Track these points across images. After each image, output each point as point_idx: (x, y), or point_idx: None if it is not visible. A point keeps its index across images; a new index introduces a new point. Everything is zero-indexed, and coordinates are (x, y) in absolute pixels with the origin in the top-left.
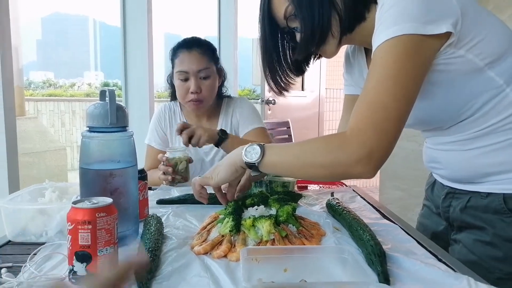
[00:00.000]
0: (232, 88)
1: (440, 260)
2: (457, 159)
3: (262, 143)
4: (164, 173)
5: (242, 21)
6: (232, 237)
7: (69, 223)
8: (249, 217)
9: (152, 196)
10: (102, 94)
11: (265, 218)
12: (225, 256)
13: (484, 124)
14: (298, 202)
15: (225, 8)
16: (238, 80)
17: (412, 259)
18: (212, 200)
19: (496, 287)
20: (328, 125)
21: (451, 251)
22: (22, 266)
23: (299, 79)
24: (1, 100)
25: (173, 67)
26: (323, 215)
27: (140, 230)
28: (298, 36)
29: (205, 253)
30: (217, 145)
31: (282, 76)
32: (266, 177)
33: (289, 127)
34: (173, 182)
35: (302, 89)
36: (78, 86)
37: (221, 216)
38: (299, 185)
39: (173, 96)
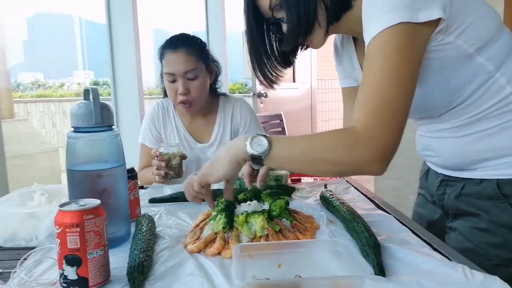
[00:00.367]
0: (223, 82)
1: (435, 249)
2: (450, 146)
3: (266, 134)
4: (157, 168)
5: (230, 14)
6: (225, 234)
7: (57, 226)
8: (242, 213)
9: (144, 195)
10: (86, 93)
11: (258, 213)
12: (219, 253)
13: (476, 111)
14: (292, 196)
15: (213, 2)
16: (228, 74)
17: (407, 249)
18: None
19: (492, 274)
20: (321, 116)
21: (447, 239)
22: (11, 272)
23: (290, 71)
24: None
25: (161, 67)
26: (317, 208)
27: (132, 230)
28: (284, 27)
29: (199, 251)
30: None
31: (270, 68)
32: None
33: (282, 120)
34: (166, 178)
35: (294, 81)
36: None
37: (214, 213)
38: (292, 178)
39: (166, 93)
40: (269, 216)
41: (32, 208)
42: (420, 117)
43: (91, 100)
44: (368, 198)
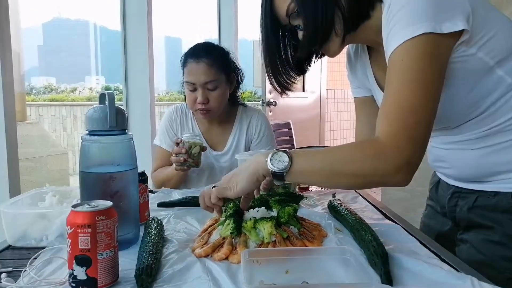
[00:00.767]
0: None
1: (443, 260)
2: (465, 158)
3: (286, 150)
4: (176, 155)
5: (242, 23)
6: (233, 239)
7: (69, 226)
8: (250, 219)
9: (153, 199)
10: (102, 97)
11: (266, 219)
12: (226, 258)
13: (493, 123)
14: (300, 204)
15: (225, 11)
16: None
17: (415, 259)
18: None
19: (504, 287)
20: (330, 126)
21: (458, 251)
22: (22, 270)
23: (299, 80)
24: (2, 105)
25: (183, 74)
26: (324, 216)
27: (141, 233)
28: (300, 34)
29: (206, 256)
30: None
31: (284, 75)
32: None
33: (290, 129)
34: (184, 164)
35: (303, 90)
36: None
37: (222, 219)
38: (300, 186)
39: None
40: (277, 223)
41: (43, 208)
42: (436, 128)
43: (107, 104)
44: (376, 208)
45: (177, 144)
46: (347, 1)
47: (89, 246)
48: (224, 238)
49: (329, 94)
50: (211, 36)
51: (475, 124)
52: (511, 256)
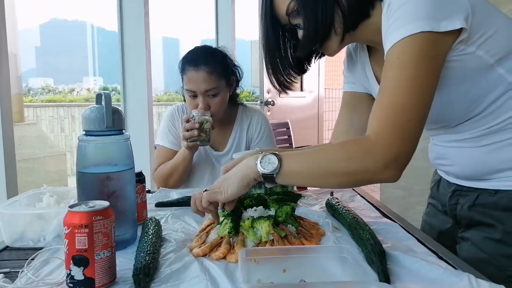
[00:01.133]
0: None
1: (440, 257)
2: (466, 155)
3: (276, 152)
4: (188, 130)
5: (240, 23)
6: (231, 239)
7: (66, 227)
8: (248, 218)
9: (151, 199)
10: (98, 97)
11: (264, 218)
12: (224, 257)
13: (493, 122)
14: (298, 202)
15: (223, 11)
16: None
17: (412, 257)
18: None
19: (506, 285)
20: (328, 125)
21: (459, 249)
22: (19, 271)
23: (298, 79)
24: None
25: (182, 80)
26: (322, 215)
27: (139, 233)
28: (300, 33)
29: (204, 255)
30: None
31: (284, 74)
32: None
33: (289, 128)
34: (197, 139)
35: (301, 90)
36: (77, 92)
37: (220, 218)
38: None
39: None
40: (275, 222)
41: (40, 209)
42: (436, 127)
43: (103, 104)
44: (374, 207)
45: (187, 121)
46: (347, 0)
47: (86, 246)
48: (222, 238)
49: (327, 93)
50: (209, 36)
51: (475, 123)
52: (511, 254)
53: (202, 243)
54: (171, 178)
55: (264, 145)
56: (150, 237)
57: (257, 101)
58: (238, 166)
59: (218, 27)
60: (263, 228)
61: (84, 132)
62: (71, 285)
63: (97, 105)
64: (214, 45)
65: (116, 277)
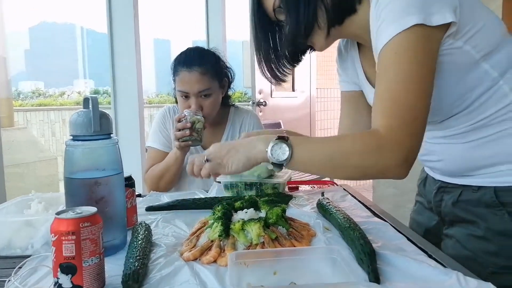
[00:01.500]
0: None
1: (430, 256)
2: (452, 151)
3: (287, 139)
4: (179, 130)
5: (231, 24)
6: (221, 242)
7: (53, 234)
8: (238, 221)
9: (141, 203)
10: (86, 102)
11: (254, 221)
12: (215, 261)
13: (478, 117)
14: (289, 203)
15: (213, 12)
16: None
17: (402, 256)
18: (203, 205)
19: (487, 281)
20: (320, 125)
21: (444, 246)
22: (6, 280)
23: (289, 80)
24: None
25: (174, 81)
26: (313, 216)
27: (129, 238)
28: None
29: (195, 259)
30: None
31: (278, 67)
32: (257, 178)
33: (281, 128)
34: (189, 138)
35: (293, 90)
36: (68, 95)
37: (210, 221)
38: (289, 186)
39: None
40: (266, 224)
41: (28, 216)
42: None
43: (91, 108)
44: (365, 206)
45: (179, 120)
46: None
47: (74, 254)
48: (212, 241)
49: (319, 93)
50: (200, 37)
51: (460, 119)
52: (494, 251)
53: (193, 247)
54: (162, 180)
55: None
56: (140, 242)
57: (249, 101)
58: (249, 143)
59: (209, 28)
60: (254, 230)
61: (71, 137)
62: None
63: (84, 110)
64: (205, 46)
65: (105, 283)
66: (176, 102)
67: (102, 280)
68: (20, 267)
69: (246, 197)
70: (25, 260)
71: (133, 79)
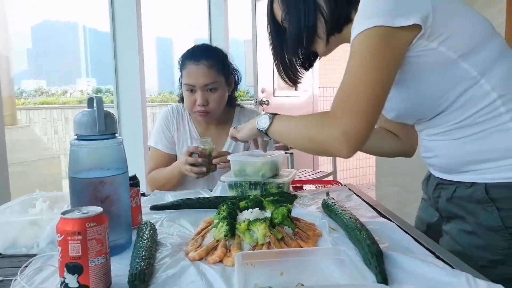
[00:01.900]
0: None
1: (437, 257)
2: (445, 148)
3: (274, 113)
4: (192, 165)
5: (233, 23)
6: (227, 242)
7: (59, 234)
8: (244, 221)
9: (146, 202)
10: (90, 101)
11: (260, 221)
12: (221, 261)
13: (462, 116)
14: (294, 203)
15: (216, 11)
16: None
17: (410, 257)
18: (207, 204)
19: (477, 276)
20: None
21: (441, 242)
22: (12, 280)
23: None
24: None
25: (181, 76)
26: (319, 216)
27: (134, 238)
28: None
29: (200, 259)
30: None
31: (293, 71)
32: (261, 178)
33: None
34: (207, 173)
35: (296, 89)
36: (70, 94)
37: (216, 221)
38: (294, 185)
39: (182, 100)
40: (271, 224)
41: (33, 215)
42: (413, 122)
43: (95, 108)
44: (370, 206)
45: (190, 154)
46: (328, 7)
47: (80, 254)
48: (218, 241)
49: (321, 92)
50: (202, 36)
51: (446, 117)
52: (482, 245)
53: (198, 246)
54: (163, 187)
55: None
56: (145, 241)
57: (251, 100)
58: (254, 119)
59: (211, 27)
60: (260, 230)
61: (76, 137)
62: None
63: (88, 109)
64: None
65: (111, 283)
66: (180, 101)
67: (108, 280)
68: (26, 266)
69: (250, 197)
70: (31, 259)
71: (136, 77)
